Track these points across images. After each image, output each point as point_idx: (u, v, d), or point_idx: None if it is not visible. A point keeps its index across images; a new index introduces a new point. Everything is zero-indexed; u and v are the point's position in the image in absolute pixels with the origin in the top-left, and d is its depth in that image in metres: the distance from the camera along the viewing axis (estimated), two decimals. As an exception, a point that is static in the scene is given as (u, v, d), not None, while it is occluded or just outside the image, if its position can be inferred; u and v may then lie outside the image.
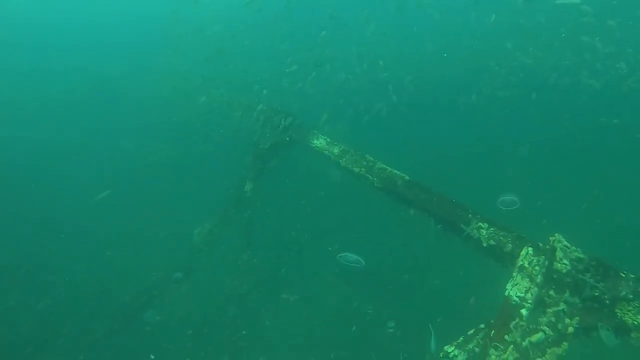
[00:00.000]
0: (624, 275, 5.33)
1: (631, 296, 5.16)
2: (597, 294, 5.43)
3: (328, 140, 10.49)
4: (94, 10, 35.81)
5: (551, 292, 5.88)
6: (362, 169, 9.12)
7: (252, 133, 12.42)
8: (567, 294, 5.76)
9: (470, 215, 7.11)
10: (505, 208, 6.62)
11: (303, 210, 12.09)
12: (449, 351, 5.84)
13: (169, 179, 14.27)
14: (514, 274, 6.03)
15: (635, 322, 5.17)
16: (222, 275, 12.23)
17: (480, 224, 6.93)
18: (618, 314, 5.30)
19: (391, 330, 9.51)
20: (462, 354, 5.77)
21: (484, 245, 6.79)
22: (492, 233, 6.73)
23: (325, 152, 10.26)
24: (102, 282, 13.01)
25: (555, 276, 5.83)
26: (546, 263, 5.81)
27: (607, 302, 5.36)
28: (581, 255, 5.70)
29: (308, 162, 11.46)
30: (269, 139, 12.07)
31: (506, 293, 5.94)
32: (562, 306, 5.73)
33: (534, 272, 5.90)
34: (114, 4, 36.99)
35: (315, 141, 10.76)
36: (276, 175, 11.88)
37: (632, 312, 5.23)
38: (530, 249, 6.07)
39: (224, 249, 12.22)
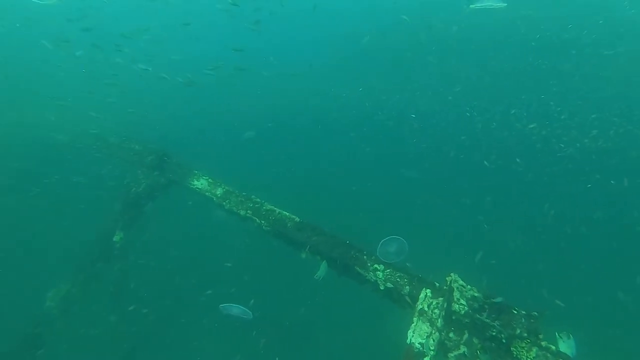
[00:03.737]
0: (516, 312, 5.13)
1: (525, 334, 4.94)
2: (494, 333, 5.15)
3: (210, 180, 9.26)
4: None
5: (451, 335, 5.47)
6: (249, 211, 8.08)
7: (122, 175, 10.49)
8: (466, 336, 5.40)
9: (365, 257, 6.54)
10: (392, 261, 6.14)
11: (184, 259, 10.40)
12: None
13: (14, 234, 11.19)
14: (414, 318, 5.52)
15: (529, 358, 4.97)
16: (85, 345, 9.77)
17: (376, 265, 6.38)
18: (514, 352, 5.06)
19: None
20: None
21: (381, 288, 6.24)
22: (388, 275, 6.21)
23: (207, 194, 8.98)
24: None
25: (454, 317, 5.45)
26: (445, 305, 5.41)
27: (504, 341, 5.09)
28: (476, 294, 5.43)
29: (188, 205, 9.95)
30: (142, 181, 10.33)
31: (408, 340, 5.37)
32: (462, 349, 5.34)
33: (433, 315, 5.45)
34: None
35: (195, 182, 9.43)
36: (152, 222, 10.08)
37: (525, 349, 5.03)
38: (428, 290, 5.64)
39: (87, 312, 9.82)
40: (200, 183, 9.32)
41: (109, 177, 10.91)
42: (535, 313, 5.00)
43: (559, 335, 5.08)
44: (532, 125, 14.51)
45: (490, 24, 25.23)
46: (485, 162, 12.26)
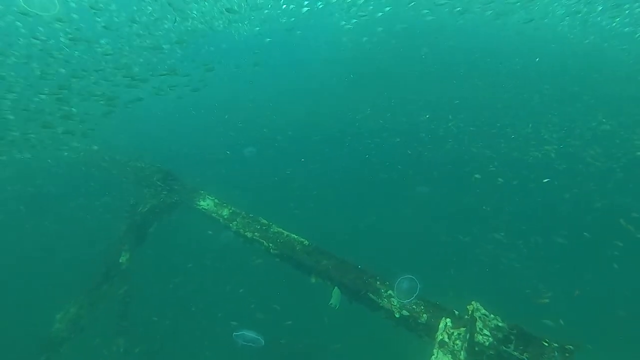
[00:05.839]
0: (547, 345, 4.61)
1: (560, 369, 4.41)
2: (523, 367, 4.63)
3: (216, 201, 8.86)
4: None
5: (475, 368, 4.95)
6: (256, 233, 7.65)
7: (128, 194, 10.15)
8: (491, 369, 4.88)
9: (378, 283, 6.06)
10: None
11: (190, 281, 9.92)
12: None
13: (22, 256, 10.80)
14: (435, 350, 5.02)
15: (566, 396, 4.44)
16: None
17: (390, 291, 5.90)
18: (547, 388, 4.53)
19: None
20: None
21: (397, 315, 5.74)
22: (404, 302, 5.72)
23: (213, 214, 8.57)
24: None
25: (477, 349, 4.94)
26: (467, 336, 4.90)
27: (535, 376, 4.57)
28: (500, 324, 4.91)
29: (194, 226, 9.53)
30: (148, 200, 9.96)
31: (428, 374, 4.87)
32: (488, 384, 4.81)
33: (455, 347, 4.94)
34: None
35: (201, 202, 9.03)
36: (157, 242, 9.66)
37: (561, 384, 4.49)
38: (448, 320, 5.14)
39: (94, 334, 9.38)
40: (206, 203, 8.92)
41: (115, 197, 10.56)
42: (570, 346, 4.48)
43: None
44: (548, 147, 13.80)
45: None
46: (499, 179, 11.55)
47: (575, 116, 16.27)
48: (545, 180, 11.65)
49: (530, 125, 15.70)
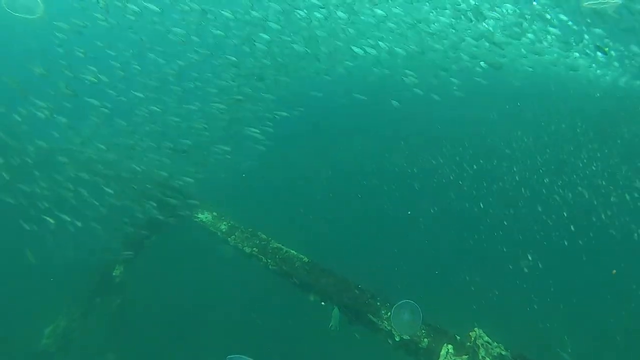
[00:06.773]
0: (551, 375, 4.49)
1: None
2: (527, 398, 4.50)
3: (215, 214, 8.74)
4: None
5: (477, 397, 4.81)
6: (254, 248, 7.52)
7: (124, 206, 9.99)
8: (494, 399, 4.74)
9: (378, 304, 5.93)
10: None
11: (185, 296, 9.71)
12: None
13: (12, 268, 10.55)
14: (436, 377, 4.87)
15: None
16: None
17: (390, 313, 5.76)
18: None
19: None
20: None
21: (397, 339, 5.60)
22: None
23: (211, 228, 8.45)
24: None
25: (479, 378, 4.80)
26: (470, 364, 4.77)
27: (539, 407, 4.43)
28: (503, 352, 4.80)
29: (192, 239, 9.38)
30: (145, 212, 9.82)
31: (429, 403, 4.72)
32: (490, 415, 4.67)
33: (457, 375, 4.80)
34: None
35: (200, 215, 8.90)
36: (153, 255, 9.49)
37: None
38: (450, 346, 5.01)
39: (84, 349, 9.14)
40: (205, 216, 8.80)
41: (111, 208, 10.40)
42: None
43: None
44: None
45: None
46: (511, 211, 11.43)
47: (590, 158, 16.19)
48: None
49: (541, 161, 15.66)
